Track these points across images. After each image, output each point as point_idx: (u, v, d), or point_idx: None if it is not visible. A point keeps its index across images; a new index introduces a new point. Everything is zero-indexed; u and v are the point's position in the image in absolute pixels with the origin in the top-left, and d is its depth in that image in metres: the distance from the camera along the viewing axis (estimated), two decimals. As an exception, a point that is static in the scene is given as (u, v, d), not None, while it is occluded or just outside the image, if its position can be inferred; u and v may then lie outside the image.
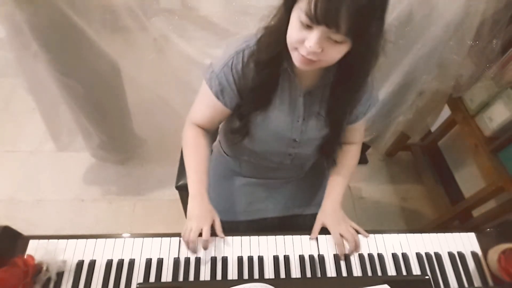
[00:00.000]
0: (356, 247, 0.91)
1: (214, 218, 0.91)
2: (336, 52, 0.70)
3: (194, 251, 0.87)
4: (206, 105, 0.93)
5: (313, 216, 0.99)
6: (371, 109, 0.96)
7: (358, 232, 0.94)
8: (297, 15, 0.68)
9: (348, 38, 0.66)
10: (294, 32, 0.70)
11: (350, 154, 1.05)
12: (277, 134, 0.92)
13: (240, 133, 0.94)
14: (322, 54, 0.69)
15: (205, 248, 0.87)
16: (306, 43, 0.68)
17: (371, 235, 0.94)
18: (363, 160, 2.08)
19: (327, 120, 0.91)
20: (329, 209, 0.97)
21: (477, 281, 0.88)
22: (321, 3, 0.62)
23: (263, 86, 0.85)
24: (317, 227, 0.95)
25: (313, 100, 0.89)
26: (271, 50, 0.79)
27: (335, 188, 1.01)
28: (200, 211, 0.89)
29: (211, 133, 1.02)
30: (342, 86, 0.83)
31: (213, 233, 0.89)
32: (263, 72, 0.82)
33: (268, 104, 0.88)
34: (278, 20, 0.76)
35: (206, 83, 0.88)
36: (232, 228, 1.09)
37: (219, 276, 0.85)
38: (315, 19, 0.64)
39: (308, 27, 0.67)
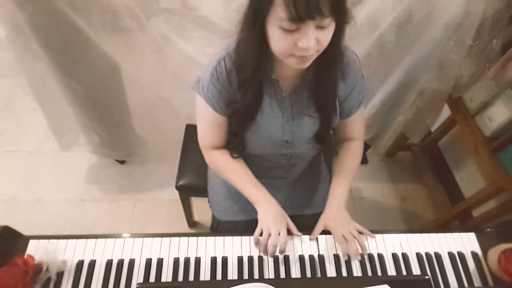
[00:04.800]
0: (362, 248, 0.89)
1: (287, 220, 0.93)
2: (327, 35, 0.71)
3: (273, 254, 0.87)
4: (210, 124, 0.94)
5: (312, 217, 0.98)
6: (365, 101, 0.96)
7: (361, 233, 0.93)
8: (276, 25, 0.68)
9: (333, 17, 0.67)
10: (281, 42, 0.70)
11: (351, 152, 1.04)
12: (269, 138, 0.93)
13: (237, 149, 0.96)
14: (318, 45, 0.70)
15: (283, 251, 0.87)
16: (300, 44, 0.68)
17: (371, 235, 0.94)
18: (363, 160, 2.07)
19: (316, 114, 0.91)
20: (333, 211, 0.96)
21: (477, 281, 0.88)
22: (298, 1, 0.63)
23: (251, 104, 0.86)
24: (318, 228, 0.94)
25: (299, 99, 0.90)
26: (249, 68, 0.79)
27: (338, 189, 1.00)
28: (275, 214, 0.92)
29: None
30: (326, 66, 0.83)
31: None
32: (248, 91, 0.83)
33: (256, 115, 0.89)
34: (246, 39, 0.76)
35: (203, 100, 0.89)
36: (231, 228, 1.10)
37: (219, 276, 0.85)
38: (299, 18, 0.64)
39: (293, 30, 0.67)
